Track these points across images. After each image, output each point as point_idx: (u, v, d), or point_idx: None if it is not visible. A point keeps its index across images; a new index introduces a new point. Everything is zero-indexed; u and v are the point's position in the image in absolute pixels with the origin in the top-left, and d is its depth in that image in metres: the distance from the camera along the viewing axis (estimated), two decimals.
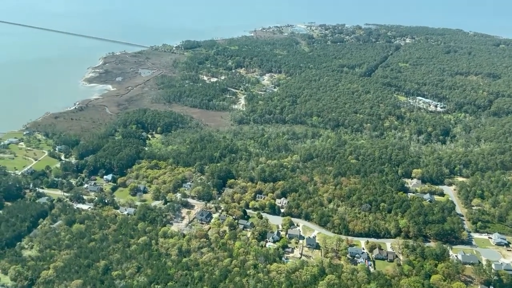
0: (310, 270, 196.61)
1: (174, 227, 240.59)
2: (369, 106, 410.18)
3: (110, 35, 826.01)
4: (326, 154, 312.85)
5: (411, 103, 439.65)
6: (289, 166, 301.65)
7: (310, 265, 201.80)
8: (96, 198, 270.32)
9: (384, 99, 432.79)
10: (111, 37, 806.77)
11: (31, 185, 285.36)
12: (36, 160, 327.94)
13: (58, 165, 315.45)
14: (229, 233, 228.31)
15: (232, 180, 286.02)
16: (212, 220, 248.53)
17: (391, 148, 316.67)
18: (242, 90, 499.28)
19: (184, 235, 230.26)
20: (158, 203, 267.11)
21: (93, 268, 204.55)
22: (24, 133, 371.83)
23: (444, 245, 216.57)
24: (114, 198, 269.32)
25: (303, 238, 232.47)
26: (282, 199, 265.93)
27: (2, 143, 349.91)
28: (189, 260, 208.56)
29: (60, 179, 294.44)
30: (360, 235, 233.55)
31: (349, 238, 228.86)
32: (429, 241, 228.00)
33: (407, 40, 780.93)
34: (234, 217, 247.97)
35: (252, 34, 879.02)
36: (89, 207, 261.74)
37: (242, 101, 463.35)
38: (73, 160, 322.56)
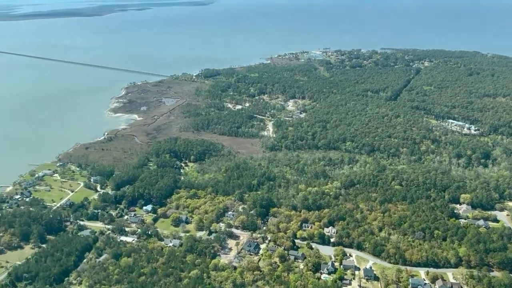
0: None
1: (223, 259, 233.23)
2: (402, 130, 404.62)
3: (129, 65, 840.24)
4: (368, 180, 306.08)
5: (444, 126, 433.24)
6: (331, 193, 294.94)
7: None
8: (139, 230, 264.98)
9: (416, 123, 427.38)
10: (130, 68, 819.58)
11: (71, 218, 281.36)
12: (72, 191, 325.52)
13: (96, 196, 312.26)
14: (282, 265, 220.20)
15: (275, 209, 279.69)
16: (261, 251, 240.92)
17: (434, 173, 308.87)
18: (268, 117, 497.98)
19: (235, 268, 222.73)
20: (202, 234, 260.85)
21: None
22: (58, 164, 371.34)
23: (511, 275, 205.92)
24: (158, 229, 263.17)
25: (358, 269, 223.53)
26: (330, 228, 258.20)
27: (36, 175, 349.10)
28: None
29: (99, 210, 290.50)
30: (418, 265, 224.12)
31: (408, 268, 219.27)
32: (493, 271, 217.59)
33: (426, 63, 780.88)
34: (283, 247, 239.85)
35: (269, 61, 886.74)
36: (133, 240, 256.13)
37: (270, 127, 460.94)
38: (109, 191, 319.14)
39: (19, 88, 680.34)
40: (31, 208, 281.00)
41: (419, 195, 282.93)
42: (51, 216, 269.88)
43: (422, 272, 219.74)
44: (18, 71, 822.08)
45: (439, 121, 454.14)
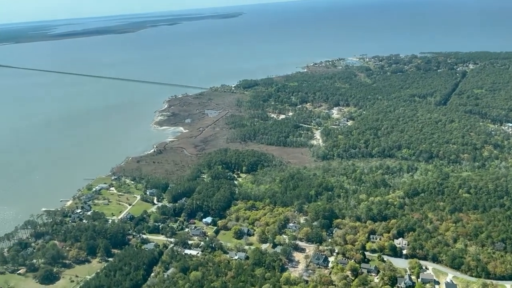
0: None
1: (292, 273, 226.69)
2: (459, 135, 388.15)
3: (168, 79, 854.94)
4: (433, 189, 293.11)
5: (504, 130, 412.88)
6: (395, 203, 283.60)
7: None
8: (202, 242, 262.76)
9: (473, 128, 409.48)
10: (169, 81, 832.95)
11: (133, 231, 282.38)
12: (130, 205, 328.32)
13: (154, 209, 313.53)
14: (357, 279, 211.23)
15: (339, 220, 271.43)
16: (330, 264, 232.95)
17: (504, 180, 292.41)
18: (314, 125, 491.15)
19: (306, 282, 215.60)
20: (266, 246, 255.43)
21: None
22: (112, 178, 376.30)
23: None
24: (221, 242, 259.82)
25: (438, 283, 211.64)
26: (400, 239, 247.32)
27: (94, 189, 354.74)
28: None
29: (159, 223, 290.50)
30: (503, 278, 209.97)
31: (494, 282, 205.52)
32: None
33: (471, 66, 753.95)
34: (354, 260, 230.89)
35: (306, 70, 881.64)
36: (198, 253, 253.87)
37: (318, 136, 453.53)
38: (166, 203, 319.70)
39: (66, 104, 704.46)
40: (94, 222, 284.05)
41: (491, 204, 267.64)
42: (115, 230, 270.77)
43: (508, 286, 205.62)
44: (62, 89, 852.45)
45: (496, 125, 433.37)
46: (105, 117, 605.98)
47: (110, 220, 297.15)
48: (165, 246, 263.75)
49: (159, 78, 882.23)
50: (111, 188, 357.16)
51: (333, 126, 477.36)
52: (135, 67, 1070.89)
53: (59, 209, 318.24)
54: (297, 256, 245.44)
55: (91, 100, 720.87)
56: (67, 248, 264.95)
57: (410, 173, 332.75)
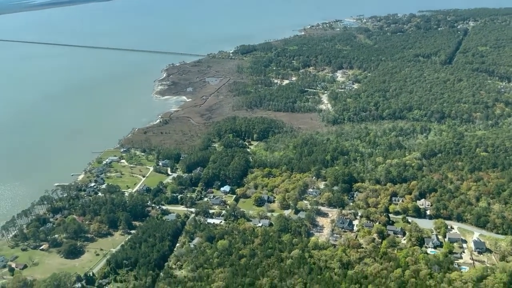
0: (499, 277, 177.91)
1: (318, 238, 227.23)
2: (470, 94, 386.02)
3: (162, 47, 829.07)
4: (450, 149, 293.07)
5: None
6: (413, 164, 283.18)
7: (498, 271, 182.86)
8: (224, 211, 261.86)
9: (482, 86, 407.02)
10: (163, 50, 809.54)
11: (151, 203, 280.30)
12: (143, 176, 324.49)
13: (170, 180, 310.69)
14: (385, 241, 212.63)
15: (359, 184, 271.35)
16: (355, 228, 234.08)
17: None
18: (320, 90, 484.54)
19: (334, 246, 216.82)
20: (288, 213, 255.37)
21: (257, 286, 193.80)
22: (121, 150, 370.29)
23: None
24: (243, 210, 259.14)
25: (465, 241, 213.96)
26: (422, 200, 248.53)
27: (104, 162, 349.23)
28: (354, 273, 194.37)
29: (177, 194, 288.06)
30: None
31: None
32: None
33: (471, 24, 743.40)
34: (378, 223, 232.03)
35: (303, 33, 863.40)
36: (220, 221, 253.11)
37: (325, 100, 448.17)
38: (180, 174, 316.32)
39: (60, 76, 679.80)
40: (112, 195, 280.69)
41: (510, 161, 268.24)
42: (134, 202, 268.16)
43: None
44: (53, 60, 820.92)
45: (504, 83, 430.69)
46: (104, 88, 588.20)
47: (127, 193, 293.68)
48: (187, 216, 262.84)
49: (152, 46, 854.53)
50: (122, 161, 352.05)
51: (340, 90, 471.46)
52: (126, 36, 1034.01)
53: (72, 184, 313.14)
54: (321, 221, 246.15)
55: (87, 72, 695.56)
56: (87, 222, 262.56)
57: (424, 134, 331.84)
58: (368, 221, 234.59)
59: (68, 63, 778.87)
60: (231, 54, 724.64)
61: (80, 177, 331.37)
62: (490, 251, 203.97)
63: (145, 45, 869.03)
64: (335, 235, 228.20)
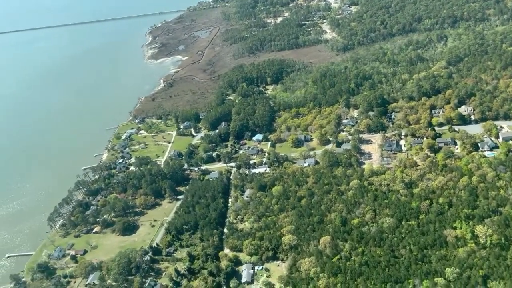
0: None
1: (371, 165, 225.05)
2: None
3: (137, 11, 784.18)
4: (475, 51, 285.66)
5: None
6: (442, 74, 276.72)
7: None
8: (264, 159, 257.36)
9: None
10: (140, 13, 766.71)
11: (188, 166, 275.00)
12: (169, 143, 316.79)
13: (196, 140, 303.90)
14: (442, 154, 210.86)
15: (394, 104, 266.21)
16: (403, 148, 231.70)
17: None
18: (318, 20, 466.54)
19: (389, 169, 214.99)
20: (330, 147, 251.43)
21: (326, 222, 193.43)
22: (136, 122, 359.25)
23: None
24: (285, 154, 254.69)
25: None
26: (463, 107, 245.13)
27: (123, 136, 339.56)
28: (420, 190, 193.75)
29: (210, 152, 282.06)
30: None
31: None
32: None
33: None
34: (426, 137, 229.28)
35: None
36: (265, 169, 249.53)
37: (327, 29, 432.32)
38: (206, 132, 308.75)
39: (36, 61, 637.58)
40: (148, 167, 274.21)
41: None
42: (173, 169, 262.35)
43: None
44: (24, 46, 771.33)
45: None
46: (93, 63, 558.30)
47: (159, 162, 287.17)
48: (229, 172, 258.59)
49: (125, 12, 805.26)
50: (141, 132, 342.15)
51: (338, 16, 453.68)
52: (93, 6, 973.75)
53: (100, 164, 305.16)
54: (366, 148, 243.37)
55: (65, 52, 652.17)
56: (130, 198, 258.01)
57: (442, 42, 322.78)
58: (416, 138, 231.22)
59: (43, 46, 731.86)
60: (211, 3, 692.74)
61: (104, 156, 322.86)
62: None
63: (116, 12, 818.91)
64: (385, 158, 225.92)
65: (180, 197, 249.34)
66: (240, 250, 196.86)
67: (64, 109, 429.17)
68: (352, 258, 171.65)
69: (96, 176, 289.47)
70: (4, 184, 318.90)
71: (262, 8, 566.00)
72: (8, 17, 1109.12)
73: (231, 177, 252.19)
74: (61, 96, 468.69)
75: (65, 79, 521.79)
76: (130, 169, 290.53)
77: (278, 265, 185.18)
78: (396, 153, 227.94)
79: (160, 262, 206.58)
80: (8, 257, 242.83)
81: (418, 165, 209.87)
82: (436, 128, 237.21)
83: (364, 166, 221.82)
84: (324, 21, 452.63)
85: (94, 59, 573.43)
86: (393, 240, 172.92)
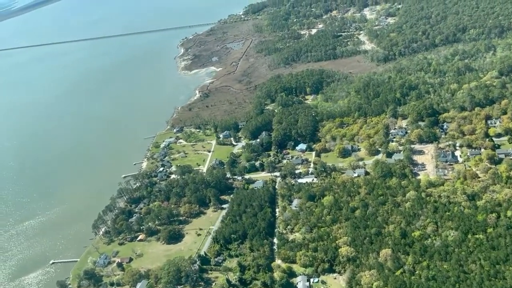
0: None
1: (425, 176, 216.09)
2: None
3: (167, 24, 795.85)
4: None
5: None
6: (495, 84, 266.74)
7: None
8: (310, 169, 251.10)
9: None
10: (170, 26, 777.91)
11: (231, 175, 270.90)
12: (209, 152, 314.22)
13: (237, 150, 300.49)
14: (505, 165, 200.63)
15: (445, 114, 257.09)
16: (460, 159, 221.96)
17: None
18: (354, 31, 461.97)
19: (447, 180, 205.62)
20: (380, 158, 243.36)
21: (385, 234, 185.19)
22: (174, 131, 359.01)
23: None
24: (333, 164, 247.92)
25: None
26: None
27: (162, 145, 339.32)
28: (485, 202, 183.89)
29: (253, 161, 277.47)
30: None
31: None
32: None
33: None
34: (484, 148, 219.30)
35: None
36: (312, 179, 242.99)
37: (365, 40, 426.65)
38: (247, 141, 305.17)
39: (70, 72, 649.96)
40: (192, 175, 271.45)
41: None
42: (217, 177, 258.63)
43: None
44: (59, 58, 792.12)
45: None
46: (126, 74, 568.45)
47: (202, 170, 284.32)
48: (273, 181, 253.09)
49: (156, 25, 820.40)
50: (180, 141, 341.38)
51: (375, 27, 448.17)
52: (124, 20, 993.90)
53: (140, 172, 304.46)
54: (419, 159, 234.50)
55: (98, 63, 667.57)
56: (173, 206, 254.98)
57: (490, 52, 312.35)
58: (472, 149, 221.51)
59: (77, 59, 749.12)
60: (242, 16, 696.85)
61: (144, 164, 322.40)
62: None
63: (147, 26, 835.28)
64: (441, 170, 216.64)
65: (224, 206, 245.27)
66: (293, 262, 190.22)
67: (101, 118, 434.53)
68: (417, 272, 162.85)
69: (138, 184, 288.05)
70: (45, 191, 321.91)
71: (295, 20, 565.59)
72: (46, 32, 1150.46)
73: (276, 187, 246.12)
74: (98, 105, 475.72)
75: (101, 89, 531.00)
76: (172, 177, 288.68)
77: (335, 278, 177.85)
78: (452, 164, 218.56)
79: (209, 271, 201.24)
80: (53, 263, 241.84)
81: (479, 177, 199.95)
82: (494, 138, 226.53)
83: (419, 177, 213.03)
84: (361, 32, 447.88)
85: (127, 70, 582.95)
86: (461, 255, 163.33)
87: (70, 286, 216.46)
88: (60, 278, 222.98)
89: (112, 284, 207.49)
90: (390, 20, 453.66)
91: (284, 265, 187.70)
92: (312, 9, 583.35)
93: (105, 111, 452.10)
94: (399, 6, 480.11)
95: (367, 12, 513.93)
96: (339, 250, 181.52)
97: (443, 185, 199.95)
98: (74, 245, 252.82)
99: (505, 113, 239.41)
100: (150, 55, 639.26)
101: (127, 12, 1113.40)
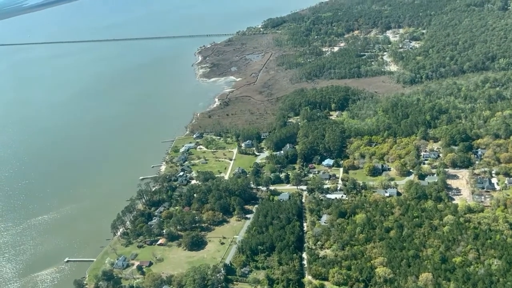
0: None
1: (461, 200, 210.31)
2: None
3: (185, 32, 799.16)
4: None
5: None
6: None
7: None
8: (339, 185, 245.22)
9: None
10: (188, 33, 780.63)
11: (255, 185, 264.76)
12: (230, 160, 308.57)
13: (260, 160, 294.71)
14: None
15: (479, 140, 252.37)
16: (497, 186, 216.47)
17: None
18: (378, 52, 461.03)
19: (484, 207, 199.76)
20: (411, 179, 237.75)
21: (423, 258, 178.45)
22: (194, 136, 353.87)
23: None
24: (364, 182, 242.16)
25: None
26: None
27: (181, 150, 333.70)
28: None
29: (277, 173, 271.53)
30: None
31: None
32: None
33: None
34: None
35: None
36: (342, 196, 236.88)
37: (390, 61, 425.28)
38: (270, 152, 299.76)
39: (92, 71, 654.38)
40: (215, 182, 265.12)
41: None
42: (242, 186, 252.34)
43: None
44: (75, 57, 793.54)
45: None
46: (144, 77, 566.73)
47: (224, 178, 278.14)
48: (299, 194, 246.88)
49: (174, 32, 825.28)
50: (200, 147, 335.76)
51: (399, 50, 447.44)
52: (141, 24, 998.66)
53: (160, 175, 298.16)
54: (452, 183, 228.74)
55: (116, 65, 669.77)
56: (195, 212, 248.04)
57: None
58: (510, 178, 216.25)
59: (93, 59, 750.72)
60: (261, 29, 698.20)
61: (163, 168, 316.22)
62: None
63: (165, 31, 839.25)
64: (477, 196, 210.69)
65: (249, 215, 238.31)
66: (325, 279, 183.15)
67: (118, 119, 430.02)
68: None
69: (157, 187, 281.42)
70: (60, 188, 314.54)
71: (316, 36, 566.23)
72: (58, 28, 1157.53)
73: (303, 200, 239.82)
74: (115, 106, 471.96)
75: (118, 90, 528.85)
76: (192, 182, 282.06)
77: None
78: (489, 191, 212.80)
79: (235, 282, 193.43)
80: (68, 261, 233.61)
81: None
82: None
83: (455, 202, 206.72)
84: (385, 53, 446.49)
85: (145, 73, 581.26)
86: (506, 285, 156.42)
87: (86, 286, 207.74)
88: (75, 277, 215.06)
89: (131, 287, 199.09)
90: (415, 44, 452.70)
91: (316, 282, 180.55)
92: (334, 28, 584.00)
93: (122, 112, 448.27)
94: (424, 31, 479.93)
95: (390, 34, 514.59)
96: (376, 270, 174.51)
97: (483, 212, 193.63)
98: (90, 245, 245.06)
99: None
100: (167, 60, 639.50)
101: (148, 16, 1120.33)
